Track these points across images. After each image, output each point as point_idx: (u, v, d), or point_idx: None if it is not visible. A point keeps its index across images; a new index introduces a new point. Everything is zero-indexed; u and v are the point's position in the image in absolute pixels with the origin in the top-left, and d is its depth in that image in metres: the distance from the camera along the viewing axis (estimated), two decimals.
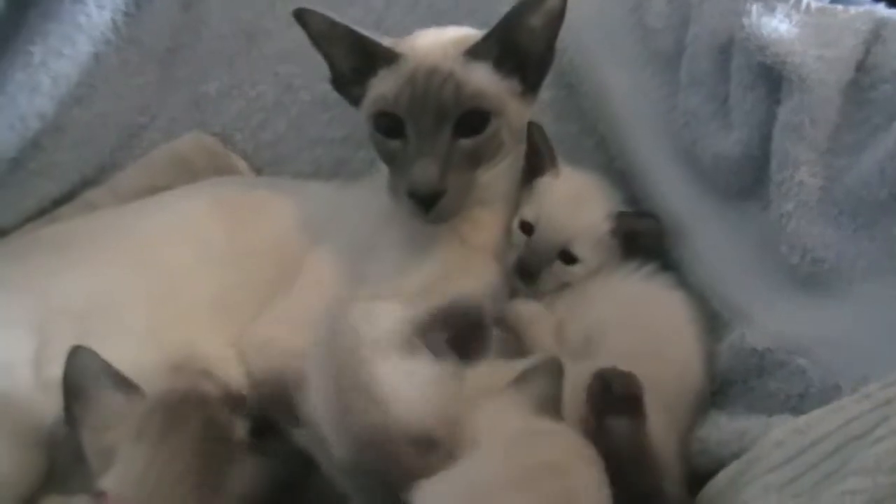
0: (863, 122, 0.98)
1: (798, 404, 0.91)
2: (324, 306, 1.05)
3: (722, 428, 0.95)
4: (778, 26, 1.03)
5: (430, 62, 1.04)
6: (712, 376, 1.01)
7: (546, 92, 1.19)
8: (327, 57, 1.12)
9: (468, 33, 1.10)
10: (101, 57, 1.30)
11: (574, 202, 1.10)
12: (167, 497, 0.78)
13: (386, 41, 1.09)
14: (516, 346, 1.05)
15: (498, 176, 1.11)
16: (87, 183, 1.31)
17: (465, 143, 1.05)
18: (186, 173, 1.28)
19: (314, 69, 1.23)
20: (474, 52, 1.05)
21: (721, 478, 0.84)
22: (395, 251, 1.12)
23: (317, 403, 0.81)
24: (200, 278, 1.10)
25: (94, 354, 0.86)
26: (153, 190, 1.25)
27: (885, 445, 0.61)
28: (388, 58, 1.07)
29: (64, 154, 1.29)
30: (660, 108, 1.17)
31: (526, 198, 1.13)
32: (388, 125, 1.06)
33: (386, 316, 0.83)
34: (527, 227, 1.11)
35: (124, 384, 0.86)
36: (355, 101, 1.12)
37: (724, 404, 1.00)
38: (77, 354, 0.86)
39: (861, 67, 0.99)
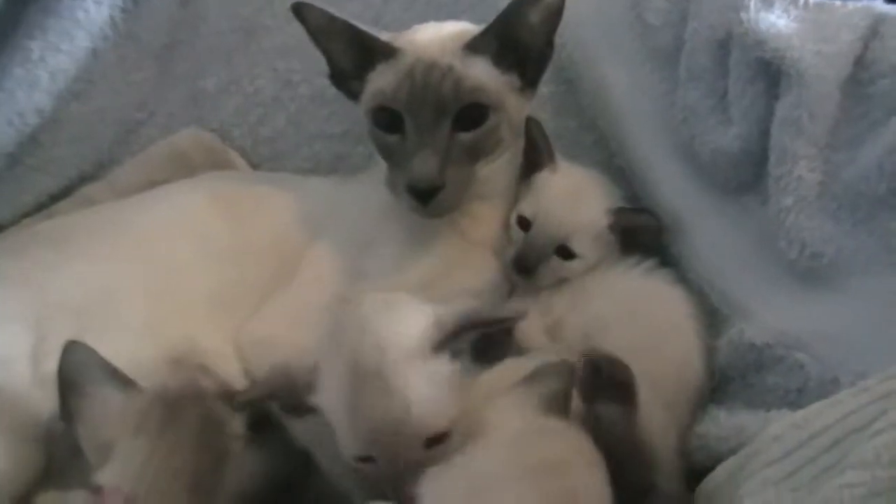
0: (861, 118, 0.98)
1: (796, 399, 0.91)
2: (323, 302, 1.06)
3: (721, 423, 0.95)
4: (776, 21, 1.03)
5: (429, 56, 1.04)
6: (712, 372, 1.01)
7: (545, 87, 1.19)
8: (326, 52, 1.12)
9: (467, 28, 1.10)
10: (99, 53, 1.30)
11: (572, 198, 1.10)
12: (164, 492, 0.78)
13: (384, 36, 1.09)
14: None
15: (497, 171, 1.11)
16: (84, 178, 1.31)
17: (464, 137, 1.05)
18: (184, 169, 1.28)
19: (313, 64, 1.23)
20: (473, 46, 1.05)
21: (719, 472, 0.84)
22: (394, 246, 1.12)
23: (330, 395, 0.81)
24: (199, 273, 1.09)
25: (90, 350, 0.86)
26: (151, 185, 1.25)
27: (884, 439, 0.61)
28: (387, 52, 1.07)
29: (61, 149, 1.30)
30: (659, 104, 1.17)
31: (524, 193, 1.13)
32: (387, 120, 1.06)
33: (414, 316, 0.83)
34: (524, 223, 1.11)
35: (120, 379, 0.86)
36: (354, 96, 1.12)
37: (723, 400, 1.00)
38: (72, 350, 0.85)
39: (859, 63, 0.99)
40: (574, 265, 1.09)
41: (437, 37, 1.08)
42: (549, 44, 1.09)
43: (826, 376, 0.89)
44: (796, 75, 0.99)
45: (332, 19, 1.07)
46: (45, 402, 0.89)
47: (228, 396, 0.87)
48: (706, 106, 1.11)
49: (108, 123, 1.32)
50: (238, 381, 1.05)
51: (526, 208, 1.11)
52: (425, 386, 0.78)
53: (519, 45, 1.07)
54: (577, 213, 1.09)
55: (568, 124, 1.25)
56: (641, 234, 1.11)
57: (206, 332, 1.07)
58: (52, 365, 0.86)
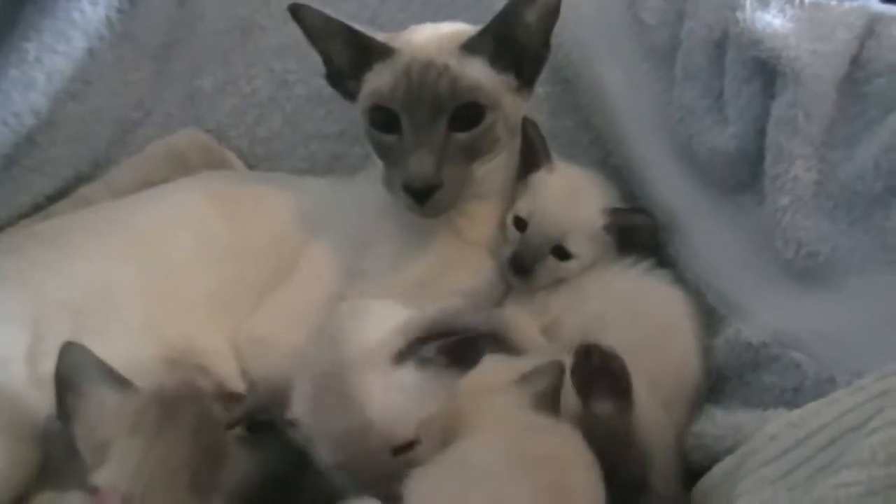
0: (857, 116, 0.98)
1: (793, 398, 0.91)
2: (320, 302, 1.06)
3: (717, 422, 0.95)
4: (772, 21, 1.03)
5: (426, 56, 1.04)
6: (709, 371, 1.01)
7: (542, 87, 1.19)
8: (322, 52, 1.12)
9: (463, 28, 1.10)
10: (95, 53, 1.30)
11: (568, 198, 1.10)
12: (161, 492, 0.78)
13: (380, 36, 1.09)
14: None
15: (493, 170, 1.11)
16: (81, 179, 1.31)
17: (461, 136, 1.04)
18: (181, 169, 1.28)
19: (309, 65, 1.23)
20: (470, 46, 1.05)
21: (716, 472, 0.84)
22: (390, 246, 1.12)
23: (300, 407, 0.81)
24: (197, 272, 1.09)
25: (86, 350, 0.86)
26: (148, 186, 1.24)
27: (880, 437, 0.61)
28: (383, 52, 1.07)
29: (58, 150, 1.29)
30: (655, 104, 1.17)
31: (520, 193, 1.13)
32: (384, 119, 1.06)
33: (377, 323, 0.83)
34: (520, 223, 1.11)
35: (117, 379, 0.86)
36: (350, 96, 1.12)
37: (720, 399, 1.00)
38: (69, 350, 0.85)
39: (855, 62, 0.99)
40: (570, 265, 1.09)
41: (433, 37, 1.08)
42: (546, 44, 1.09)
43: (822, 375, 0.89)
44: (792, 74, 0.99)
45: (329, 20, 1.07)
46: (42, 401, 0.89)
47: (225, 396, 0.87)
48: (702, 105, 1.11)
49: (104, 123, 1.32)
50: (236, 381, 1.06)
51: (522, 208, 1.11)
52: (387, 395, 0.77)
53: (516, 45, 1.07)
54: (574, 213, 1.10)
55: (564, 124, 1.25)
56: (638, 234, 1.11)
57: (204, 332, 1.07)
58: (49, 365, 0.86)
